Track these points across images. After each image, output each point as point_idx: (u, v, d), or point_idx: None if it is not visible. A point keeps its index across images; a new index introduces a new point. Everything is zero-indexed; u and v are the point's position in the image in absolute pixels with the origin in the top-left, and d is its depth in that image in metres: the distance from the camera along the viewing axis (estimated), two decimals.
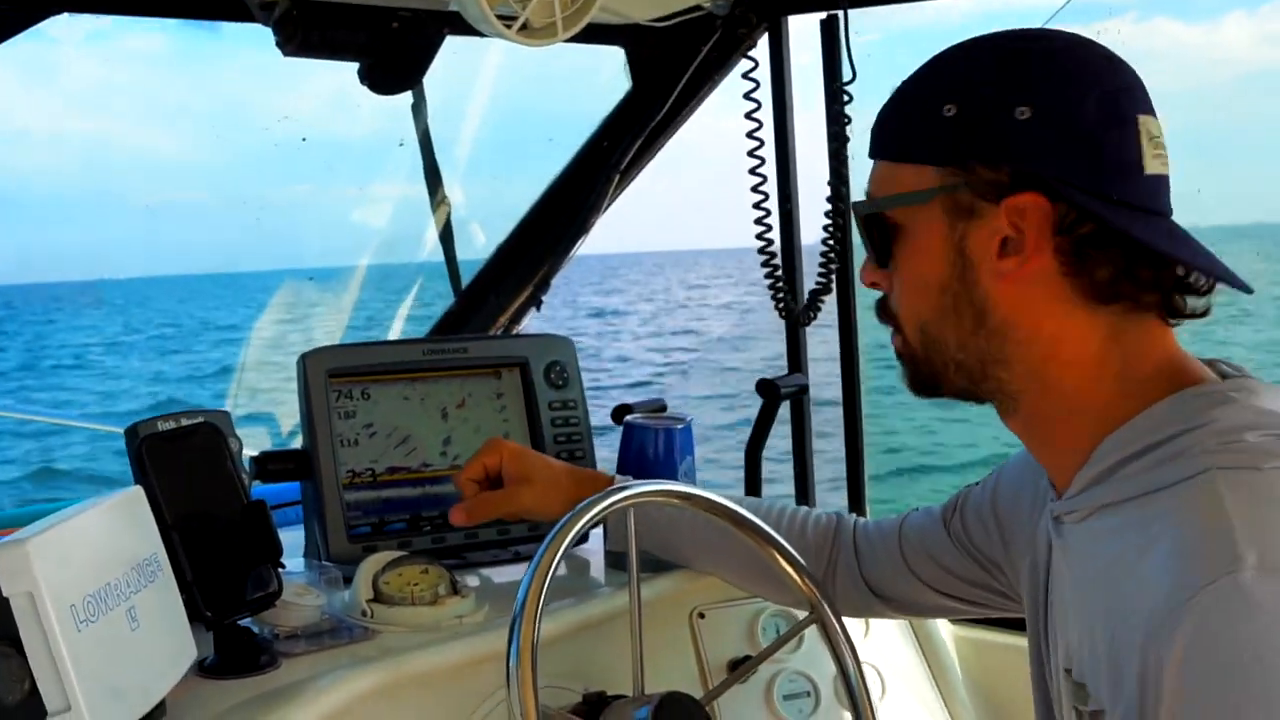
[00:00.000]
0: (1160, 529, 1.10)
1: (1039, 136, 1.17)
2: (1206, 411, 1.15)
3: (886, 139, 1.29)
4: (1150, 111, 1.20)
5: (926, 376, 1.32)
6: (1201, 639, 1.00)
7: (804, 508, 1.79)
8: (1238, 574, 1.01)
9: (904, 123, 1.27)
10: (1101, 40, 1.24)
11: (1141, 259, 1.18)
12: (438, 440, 1.98)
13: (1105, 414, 1.21)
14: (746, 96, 2.21)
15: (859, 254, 1.40)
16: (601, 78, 2.54)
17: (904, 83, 1.27)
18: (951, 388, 1.30)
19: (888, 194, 1.27)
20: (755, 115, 2.21)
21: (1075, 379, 1.23)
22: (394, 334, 3.44)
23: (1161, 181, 1.20)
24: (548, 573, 1.37)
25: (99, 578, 1.24)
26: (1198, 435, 1.14)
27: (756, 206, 2.23)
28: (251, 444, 1.93)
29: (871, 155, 1.30)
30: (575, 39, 1.76)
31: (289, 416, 2.95)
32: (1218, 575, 1.01)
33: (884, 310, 1.34)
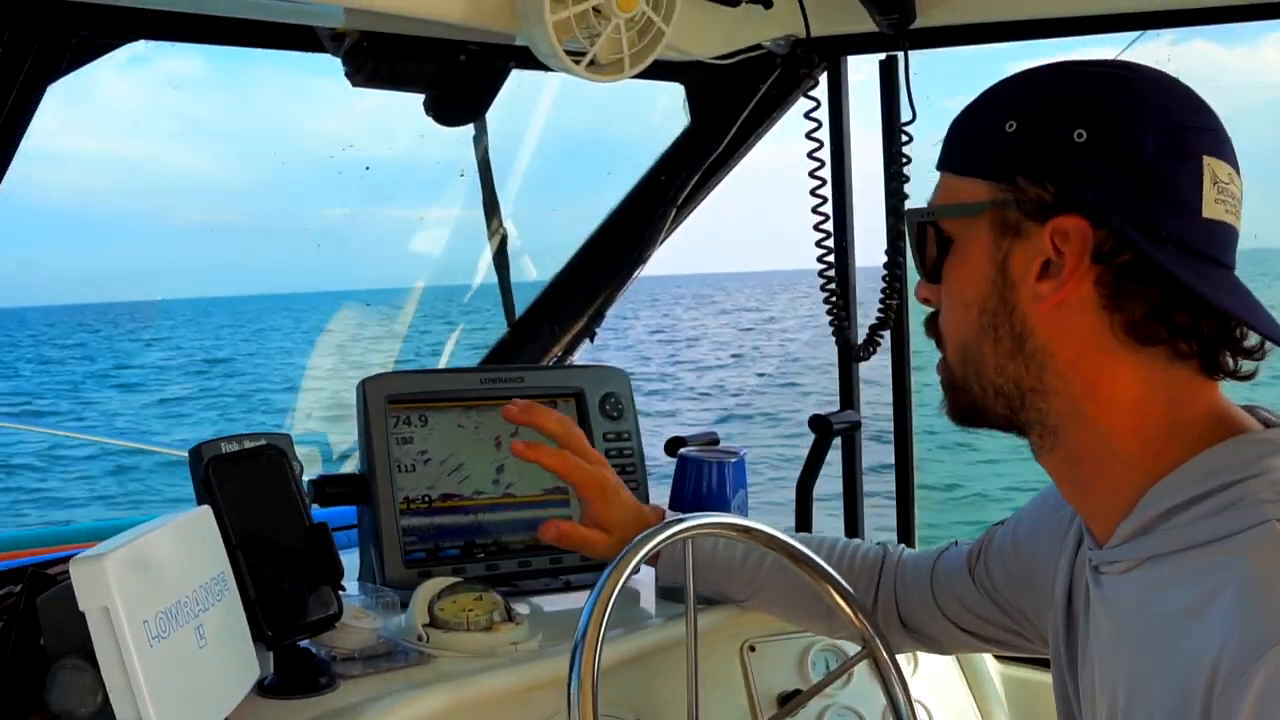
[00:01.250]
0: (1222, 580, 1.08)
1: (1091, 160, 1.15)
2: (1260, 461, 1.13)
3: (950, 150, 1.28)
4: (1224, 158, 1.17)
5: (966, 403, 1.29)
6: (1274, 694, 0.99)
7: (853, 540, 1.80)
8: None
9: (967, 135, 1.27)
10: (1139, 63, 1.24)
11: (1180, 301, 1.15)
12: (490, 469, 2.00)
13: (1148, 462, 1.19)
14: (809, 136, 2.23)
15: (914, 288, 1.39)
16: (656, 113, 2.57)
17: (978, 96, 1.27)
18: (991, 415, 1.28)
19: (938, 204, 1.27)
20: (817, 155, 2.23)
21: (1114, 420, 1.20)
22: (443, 362, 3.47)
23: (1223, 229, 1.17)
24: (609, 601, 1.38)
25: (171, 595, 1.26)
26: (1253, 485, 1.12)
27: (819, 245, 2.25)
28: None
29: (937, 166, 1.30)
30: (637, 75, 1.78)
31: (342, 440, 2.98)
32: None
33: (932, 327, 1.33)
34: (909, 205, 1.30)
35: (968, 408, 1.30)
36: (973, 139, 1.25)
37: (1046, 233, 1.17)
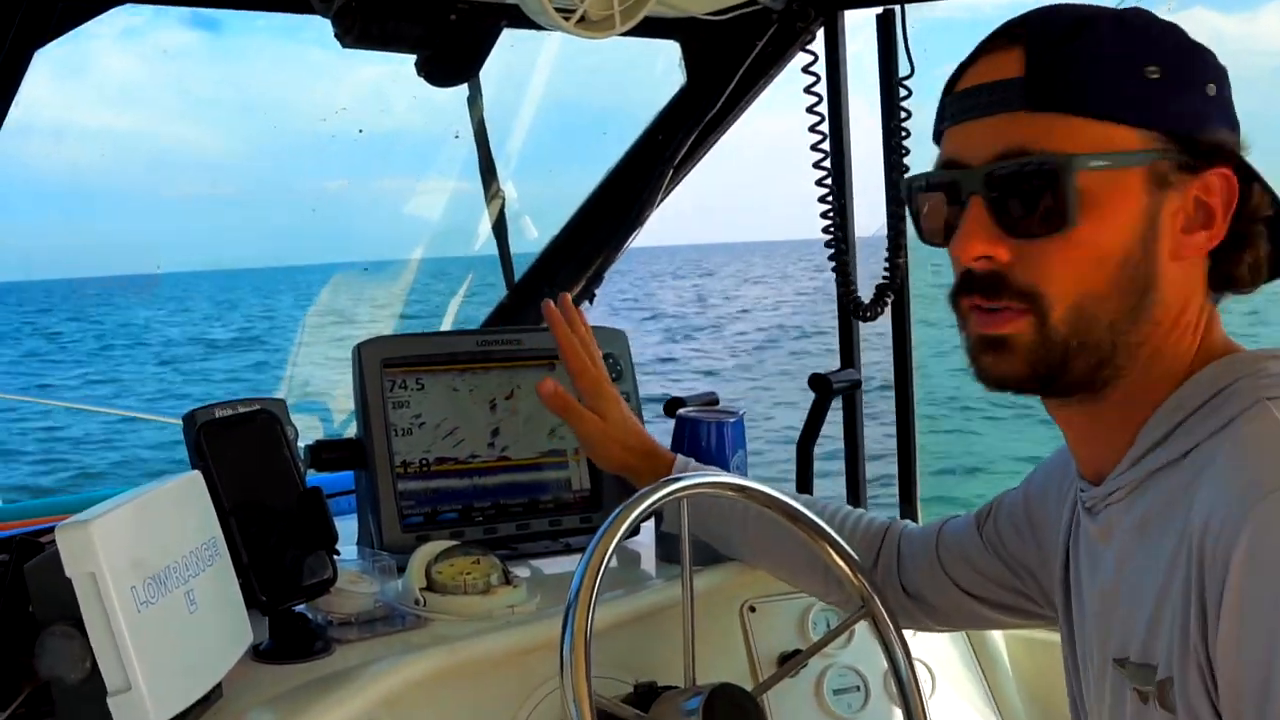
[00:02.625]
0: (1216, 454, 1.10)
1: (1222, 112, 1.18)
2: (1255, 363, 1.16)
3: (1082, 91, 1.15)
4: None
5: (1047, 365, 1.18)
6: (1264, 539, 1.00)
7: (860, 510, 1.79)
8: None
9: (1106, 78, 1.15)
10: None
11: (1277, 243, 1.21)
12: (485, 432, 1.98)
13: (1166, 392, 1.20)
14: (808, 90, 2.20)
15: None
16: (656, 72, 2.54)
17: (1085, 35, 1.16)
18: (1068, 378, 1.19)
19: (1082, 151, 1.14)
20: (817, 109, 2.21)
21: (1168, 365, 1.20)
22: (446, 326, 3.45)
23: None
24: (602, 560, 1.37)
25: (159, 560, 1.25)
26: (1247, 380, 1.15)
27: (822, 200, 2.23)
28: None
29: (1047, 108, 1.15)
30: (631, 32, 1.76)
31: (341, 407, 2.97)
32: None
33: (1003, 286, 1.18)
34: (1048, 152, 1.14)
35: (1046, 369, 1.19)
36: (1112, 82, 1.15)
37: (1197, 185, 1.16)
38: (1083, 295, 1.16)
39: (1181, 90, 1.16)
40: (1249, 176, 1.17)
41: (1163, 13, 1.23)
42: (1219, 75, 1.18)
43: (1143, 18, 1.20)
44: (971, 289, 1.20)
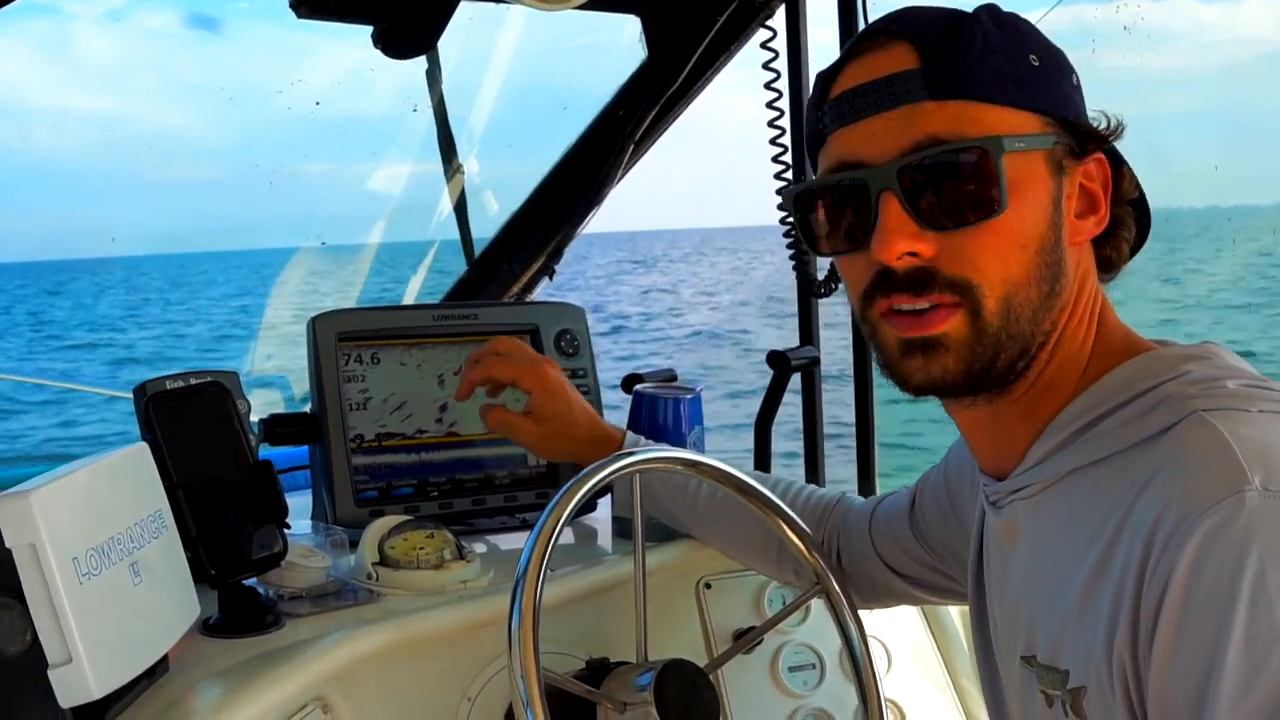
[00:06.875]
0: (1153, 467, 1.06)
1: (1083, 102, 1.19)
2: (1178, 365, 1.13)
3: (980, 78, 1.14)
4: None
5: (981, 362, 1.16)
6: (1207, 557, 0.98)
7: (809, 485, 1.79)
8: (1244, 493, 0.98)
9: (998, 65, 1.15)
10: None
11: (1144, 230, 1.23)
12: (433, 407, 1.98)
13: (1069, 385, 1.19)
14: (766, 66, 2.19)
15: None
16: (620, 48, 2.53)
17: (968, 26, 1.16)
18: (995, 373, 1.17)
19: (994, 134, 1.13)
20: (775, 85, 2.20)
21: (1070, 355, 1.19)
22: (408, 301, 3.43)
23: None
24: (551, 536, 1.36)
25: (102, 531, 1.23)
26: (1176, 384, 1.11)
27: (777, 177, 2.22)
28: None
29: (950, 95, 1.14)
30: (590, 6, 1.75)
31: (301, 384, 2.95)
32: (1224, 495, 0.99)
33: (933, 281, 1.15)
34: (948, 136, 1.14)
35: (982, 368, 1.17)
36: (1004, 68, 1.15)
37: (1081, 170, 1.18)
38: (1009, 284, 1.14)
39: (1059, 78, 1.18)
40: (1117, 161, 1.20)
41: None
42: (1074, 70, 1.21)
43: (1008, 13, 1.21)
44: (892, 289, 1.16)
